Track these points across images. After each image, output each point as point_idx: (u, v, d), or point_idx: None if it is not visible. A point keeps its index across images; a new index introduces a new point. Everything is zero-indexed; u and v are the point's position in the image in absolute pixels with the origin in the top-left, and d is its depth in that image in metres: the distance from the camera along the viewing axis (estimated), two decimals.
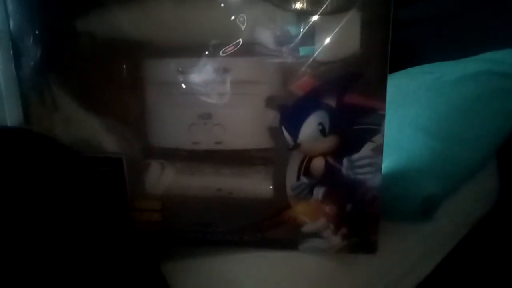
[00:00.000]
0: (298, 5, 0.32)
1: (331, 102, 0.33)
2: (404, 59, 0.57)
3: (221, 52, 0.33)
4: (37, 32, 0.36)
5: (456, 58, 0.59)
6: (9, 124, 0.38)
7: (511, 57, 0.57)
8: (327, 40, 0.32)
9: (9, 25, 0.36)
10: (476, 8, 0.63)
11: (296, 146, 0.34)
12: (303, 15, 0.32)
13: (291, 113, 0.33)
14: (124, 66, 0.35)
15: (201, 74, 0.34)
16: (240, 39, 0.32)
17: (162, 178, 0.37)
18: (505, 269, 0.56)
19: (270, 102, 0.34)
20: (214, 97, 0.34)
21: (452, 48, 0.62)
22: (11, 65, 0.36)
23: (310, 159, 0.34)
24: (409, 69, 0.60)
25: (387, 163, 0.34)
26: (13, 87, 0.37)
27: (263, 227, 0.36)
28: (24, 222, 0.29)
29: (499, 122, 0.52)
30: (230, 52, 0.33)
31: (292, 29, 0.32)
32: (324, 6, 0.31)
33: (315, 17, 0.32)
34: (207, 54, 0.33)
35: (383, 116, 0.33)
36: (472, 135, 0.48)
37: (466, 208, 0.52)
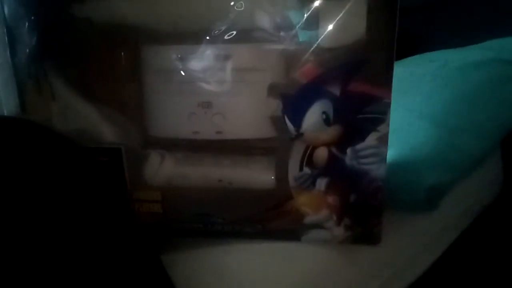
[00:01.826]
0: None
1: (335, 90, 0.32)
2: (408, 46, 0.56)
3: (222, 37, 0.32)
4: (32, 18, 0.35)
5: (461, 46, 0.58)
6: (5, 113, 0.37)
7: None
8: (331, 26, 0.31)
9: (3, 10, 0.35)
10: None
11: (299, 135, 0.33)
12: None
13: (294, 102, 0.33)
14: (122, 53, 0.34)
15: (201, 61, 0.33)
16: (240, 25, 0.31)
17: (162, 169, 0.36)
18: (509, 259, 0.56)
19: (272, 90, 0.33)
20: (214, 85, 0.33)
21: (456, 36, 0.60)
22: (6, 52, 0.35)
23: (313, 149, 0.34)
24: (413, 56, 0.59)
25: (391, 152, 0.34)
26: (9, 75, 0.36)
27: (265, 218, 0.36)
28: (22, 213, 0.29)
29: (504, 110, 0.51)
30: (230, 38, 0.32)
31: (294, 15, 0.31)
32: None
33: (318, 1, 0.30)
34: (207, 41, 0.32)
35: (389, 105, 0.32)
36: (477, 124, 0.47)
37: (470, 197, 0.51)
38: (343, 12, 0.30)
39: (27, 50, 0.35)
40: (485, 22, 0.61)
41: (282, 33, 0.32)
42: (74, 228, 0.31)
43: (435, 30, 0.64)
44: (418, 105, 0.47)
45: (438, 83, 0.51)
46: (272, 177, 0.35)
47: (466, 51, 0.56)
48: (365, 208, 0.34)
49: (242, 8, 0.31)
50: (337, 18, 0.31)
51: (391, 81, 0.31)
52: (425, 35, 0.64)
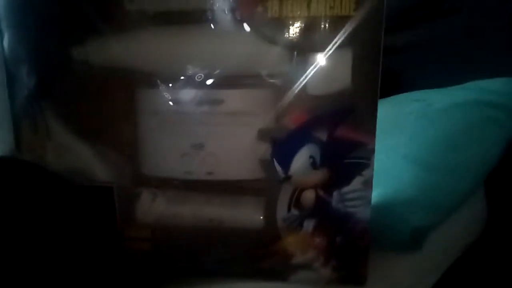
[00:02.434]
0: (289, 41, 0.32)
1: (322, 135, 0.33)
2: (391, 85, 0.58)
3: (215, 82, 0.33)
4: (32, 59, 0.36)
5: (443, 86, 0.60)
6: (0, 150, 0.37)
7: (498, 86, 0.58)
8: (318, 75, 0.32)
9: (3, 51, 0.36)
10: (463, 36, 0.64)
11: (287, 178, 0.34)
12: (294, 50, 0.32)
13: (283, 146, 0.34)
14: (118, 95, 0.35)
15: (194, 104, 0.34)
16: (233, 70, 0.33)
17: (153, 207, 0.37)
18: None
19: (262, 134, 0.34)
20: (207, 127, 0.35)
21: (439, 76, 0.63)
22: (5, 93, 0.36)
23: (301, 191, 0.35)
24: (396, 96, 0.61)
25: (375, 193, 0.35)
26: (5, 114, 0.37)
27: (254, 257, 0.36)
28: (11, 252, 0.29)
29: (486, 151, 0.52)
30: (223, 83, 0.33)
31: (283, 63, 0.33)
32: (315, 43, 0.32)
33: (305, 51, 0.32)
34: (200, 85, 0.33)
35: (373, 151, 0.33)
36: (460, 164, 0.49)
37: (455, 236, 0.52)
38: (330, 63, 0.32)
39: (26, 91, 0.36)
40: (467, 63, 0.63)
41: (272, 80, 0.33)
42: (64, 266, 0.31)
43: (417, 70, 0.67)
44: (402, 146, 0.48)
45: (421, 124, 0.52)
46: (261, 217, 0.36)
47: (449, 92, 0.58)
48: (351, 249, 0.35)
49: (235, 55, 0.33)
50: (324, 68, 0.32)
51: (375, 128, 0.33)
52: (407, 74, 0.66)
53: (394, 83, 0.60)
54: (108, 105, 0.35)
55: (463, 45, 0.64)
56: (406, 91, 0.61)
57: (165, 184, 0.36)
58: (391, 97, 0.60)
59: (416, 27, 0.67)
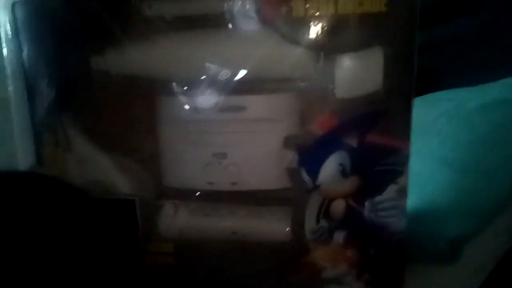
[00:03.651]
0: (315, 41, 0.30)
1: (352, 141, 0.32)
2: (422, 84, 0.56)
3: (237, 88, 0.32)
4: (51, 71, 0.35)
5: (475, 84, 0.57)
6: (21, 165, 0.37)
7: None
8: (347, 77, 0.31)
9: (23, 65, 0.36)
10: (495, 32, 0.61)
11: (316, 187, 0.33)
12: (321, 50, 0.31)
13: (310, 154, 0.32)
14: (139, 104, 0.34)
15: (216, 112, 0.33)
16: (255, 75, 0.31)
17: (176, 220, 0.35)
18: None
19: (288, 142, 0.32)
20: (229, 135, 0.33)
21: (471, 73, 0.60)
22: (25, 106, 0.36)
23: (330, 201, 0.33)
24: (427, 95, 0.58)
25: (410, 200, 0.33)
26: (26, 128, 0.36)
27: (281, 272, 0.35)
28: (35, 267, 0.28)
29: None
30: (245, 88, 0.32)
31: (309, 65, 0.31)
32: (343, 43, 0.30)
33: (333, 52, 0.30)
34: (221, 92, 0.32)
35: (408, 157, 0.31)
36: (498, 167, 0.46)
37: (493, 243, 0.49)
38: (359, 64, 0.30)
39: (46, 103, 0.36)
40: (499, 60, 0.61)
41: (297, 84, 0.32)
42: (87, 281, 0.30)
43: (448, 68, 0.64)
44: (435, 149, 0.46)
45: (454, 125, 0.50)
46: (287, 229, 0.34)
47: (481, 90, 0.56)
48: (385, 262, 0.33)
49: (259, 59, 0.31)
50: (353, 69, 0.30)
51: (410, 132, 0.31)
52: (438, 72, 0.64)
53: (425, 82, 0.57)
54: (128, 115, 0.35)
55: (493, 42, 0.61)
56: (435, 90, 0.59)
57: (187, 195, 0.35)
58: (420, 97, 0.58)
59: (443, 24, 0.64)
